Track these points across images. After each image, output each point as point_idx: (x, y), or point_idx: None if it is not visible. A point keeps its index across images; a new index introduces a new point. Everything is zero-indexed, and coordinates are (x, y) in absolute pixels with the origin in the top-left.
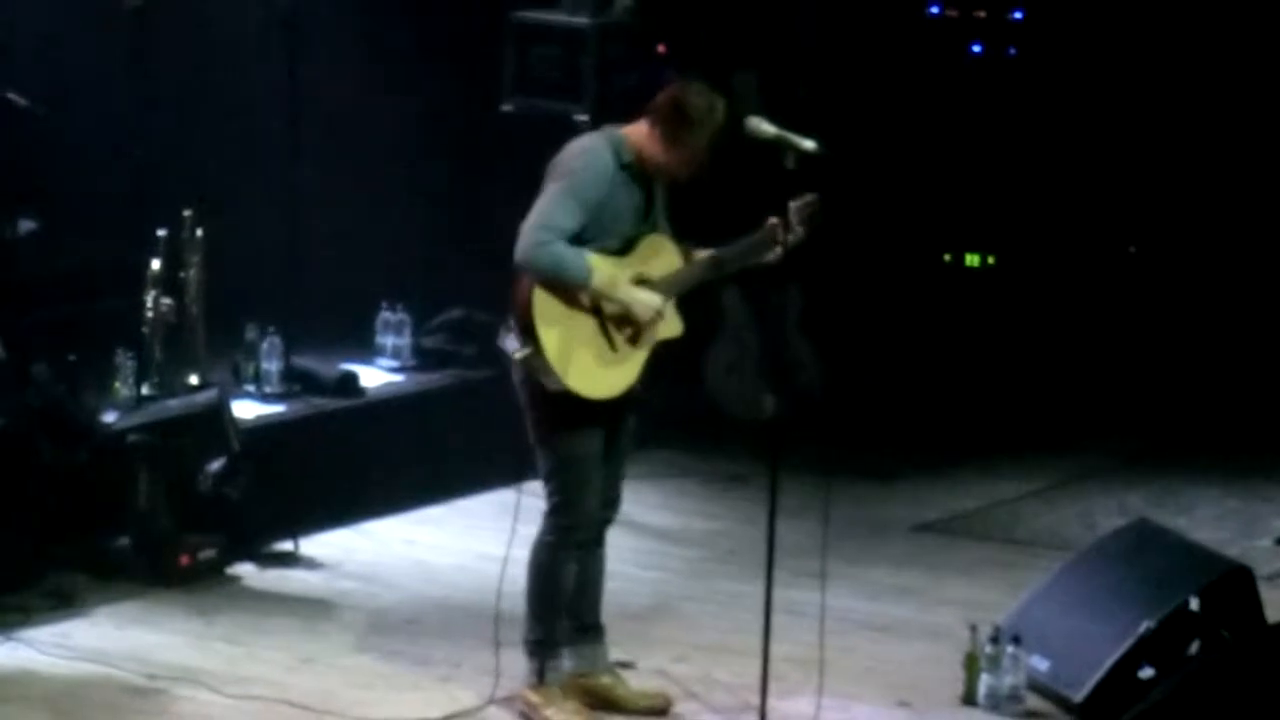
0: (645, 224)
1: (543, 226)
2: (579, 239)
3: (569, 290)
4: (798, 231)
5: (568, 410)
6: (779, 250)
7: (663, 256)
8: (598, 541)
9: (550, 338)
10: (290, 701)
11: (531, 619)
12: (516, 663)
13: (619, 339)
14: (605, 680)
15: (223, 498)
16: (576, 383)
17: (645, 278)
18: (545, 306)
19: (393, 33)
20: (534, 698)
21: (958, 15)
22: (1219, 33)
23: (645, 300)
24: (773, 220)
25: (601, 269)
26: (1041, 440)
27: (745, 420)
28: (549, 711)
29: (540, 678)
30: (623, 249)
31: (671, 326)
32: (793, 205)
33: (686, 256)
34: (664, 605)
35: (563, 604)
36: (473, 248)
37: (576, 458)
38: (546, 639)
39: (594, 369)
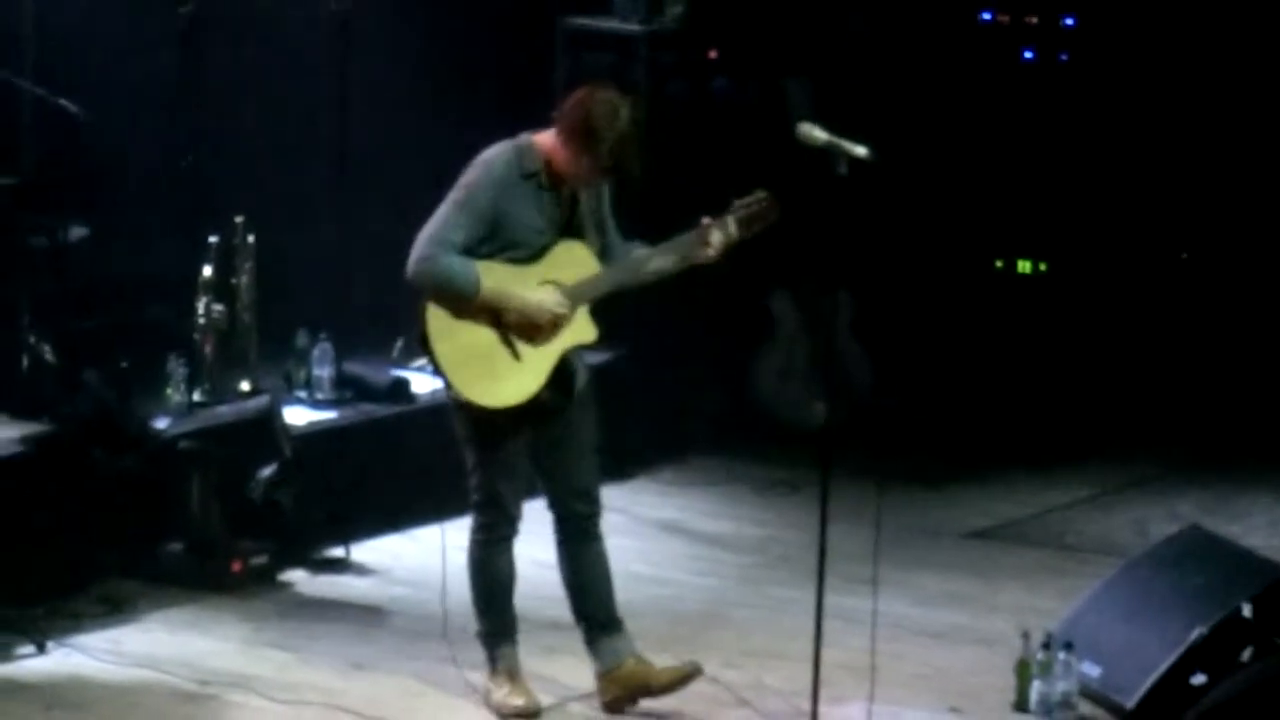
0: (562, 232)
1: (432, 240)
2: (486, 252)
3: (462, 301)
4: (732, 233)
5: (479, 417)
6: (710, 252)
7: (576, 263)
8: (592, 537)
9: (444, 350)
10: (342, 708)
11: (478, 613)
12: (562, 668)
13: (521, 345)
14: (632, 667)
15: (274, 504)
16: (474, 393)
17: (555, 282)
18: (438, 320)
19: (443, 40)
20: (486, 683)
21: (1009, 21)
22: (1273, 38)
23: (539, 303)
24: (705, 220)
25: (499, 278)
26: (1093, 447)
27: (796, 426)
28: (495, 696)
29: (492, 665)
30: (534, 257)
31: (583, 331)
32: (734, 203)
33: (621, 259)
34: (715, 611)
35: (502, 597)
36: None
37: (491, 460)
38: (490, 629)
39: (492, 378)
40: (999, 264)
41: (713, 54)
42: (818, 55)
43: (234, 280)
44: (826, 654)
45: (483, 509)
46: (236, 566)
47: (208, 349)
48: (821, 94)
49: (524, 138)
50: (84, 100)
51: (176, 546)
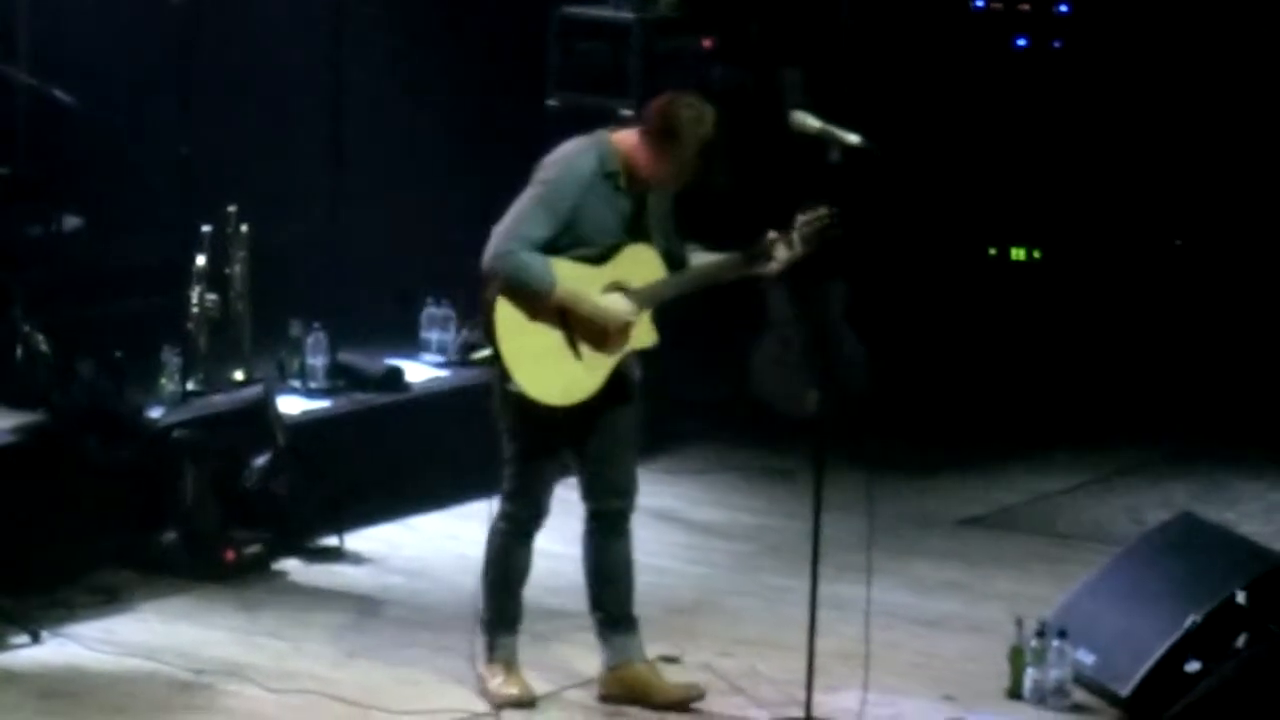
0: (631, 233)
1: (511, 234)
2: (554, 247)
3: (534, 297)
4: (798, 247)
5: (527, 411)
6: (774, 266)
7: (644, 266)
8: (620, 533)
9: (509, 344)
10: (336, 697)
11: (485, 599)
12: (559, 657)
13: (585, 347)
14: (640, 671)
15: (268, 493)
16: (532, 387)
17: (621, 285)
18: (507, 313)
19: (438, 28)
20: (482, 671)
21: (1002, 8)
22: (1267, 25)
23: (611, 308)
24: (771, 234)
25: (570, 277)
26: (1087, 434)
27: (790, 415)
28: (490, 684)
29: (490, 654)
30: (602, 257)
31: (644, 336)
32: (799, 218)
33: (683, 264)
34: (709, 600)
35: (514, 587)
36: None
37: (530, 454)
38: (494, 618)
39: (552, 376)
40: (992, 251)
41: (707, 43)
42: (811, 43)
43: (228, 270)
44: (821, 642)
45: (513, 499)
46: (231, 556)
47: (201, 339)
48: (815, 82)
49: (603, 135)
50: (78, 90)
51: (171, 536)
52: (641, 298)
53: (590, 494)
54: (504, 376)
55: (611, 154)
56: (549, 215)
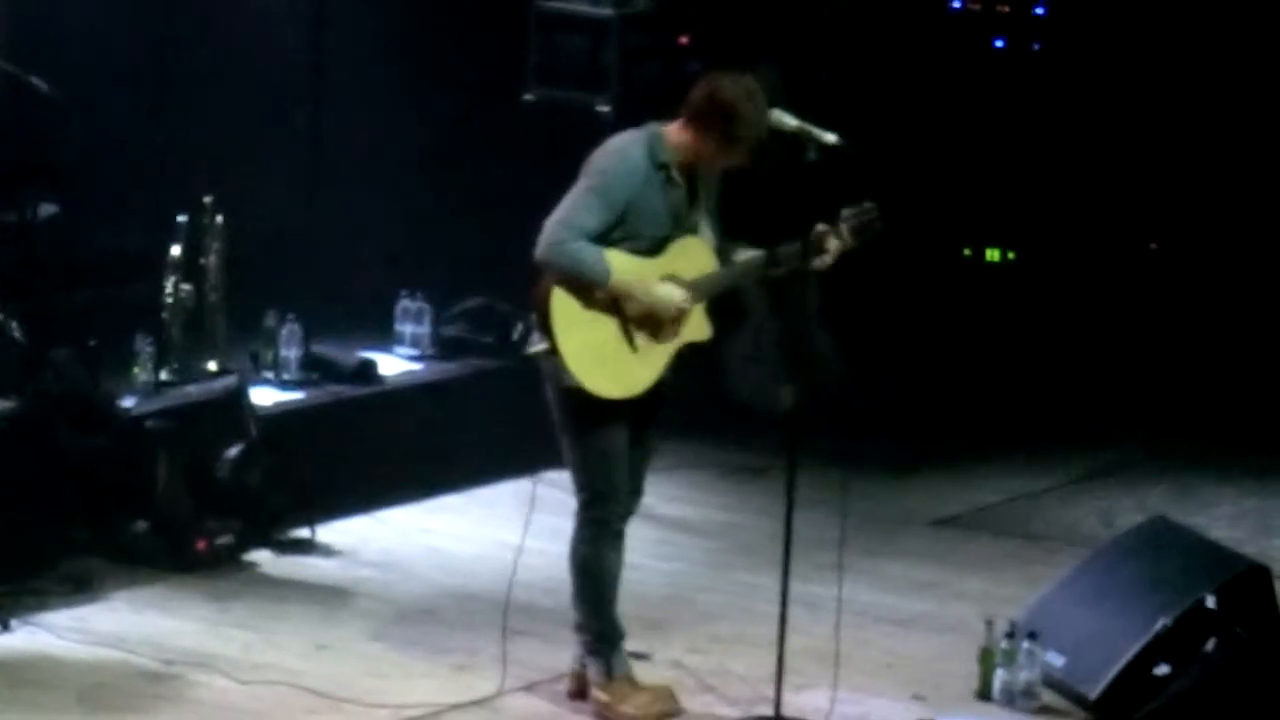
0: (682, 225)
1: (564, 225)
2: (607, 239)
3: (588, 289)
4: (847, 240)
5: (590, 406)
6: (826, 259)
7: (695, 259)
8: (622, 535)
9: (567, 336)
10: (306, 688)
11: (586, 617)
12: (529, 652)
13: (640, 338)
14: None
15: (240, 484)
16: (591, 381)
17: (675, 278)
18: (563, 305)
19: (416, 21)
20: (604, 696)
21: (980, 9)
22: (1243, 28)
23: (666, 298)
24: (821, 227)
25: (624, 268)
26: (1060, 436)
27: (764, 413)
28: (624, 708)
29: (609, 674)
30: (654, 249)
31: (698, 329)
32: (845, 212)
33: (728, 258)
34: (680, 597)
35: (612, 596)
36: (493, 236)
37: (601, 452)
38: (605, 634)
39: (611, 368)
40: (967, 252)
41: (684, 39)
42: (789, 41)
43: (202, 260)
44: (791, 640)
45: (594, 504)
46: (202, 546)
47: (175, 329)
48: (792, 80)
49: (653, 127)
50: (54, 78)
51: (142, 525)
52: (694, 290)
53: None
54: (560, 370)
55: (662, 145)
56: (603, 205)
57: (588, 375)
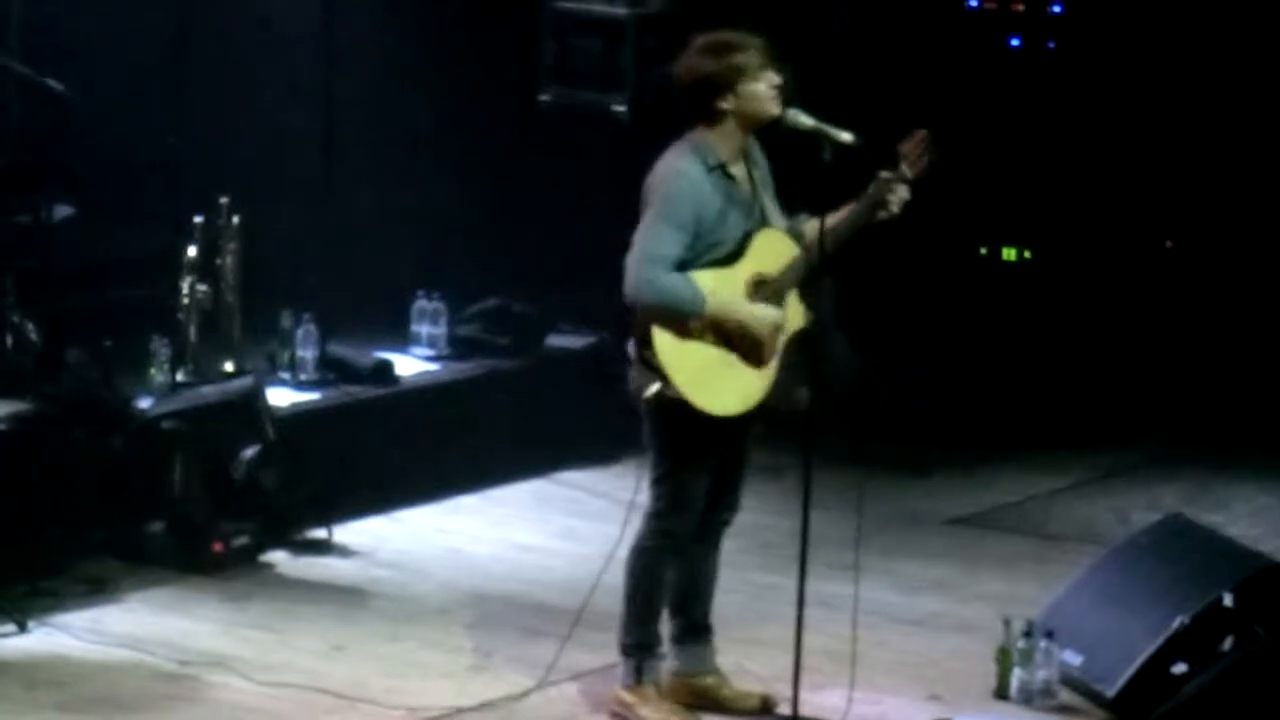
0: (753, 217)
1: (647, 260)
2: (689, 258)
3: (686, 320)
4: (908, 177)
5: (686, 420)
6: (894, 208)
7: (777, 250)
8: (714, 544)
9: (677, 370)
10: (323, 689)
11: (630, 621)
12: (547, 652)
13: (743, 352)
14: (710, 680)
15: (257, 485)
16: (710, 404)
17: (763, 277)
18: (665, 340)
19: (432, 22)
20: (628, 697)
21: (996, 8)
22: (1259, 27)
23: (762, 316)
24: (883, 174)
25: (714, 288)
26: (1076, 435)
27: (780, 412)
28: (644, 711)
29: (638, 678)
30: (735, 254)
31: (797, 319)
32: (901, 149)
33: (798, 236)
34: None
35: (662, 606)
36: (508, 237)
37: (689, 468)
38: (644, 640)
39: (725, 387)
40: (983, 251)
41: None
42: (804, 40)
43: (218, 261)
44: (807, 640)
45: (669, 515)
46: (218, 547)
47: (191, 329)
48: (807, 79)
49: (691, 135)
50: (70, 80)
51: (158, 527)
52: (781, 283)
53: (711, 502)
54: (667, 387)
55: (707, 147)
56: (676, 229)
57: (707, 400)
